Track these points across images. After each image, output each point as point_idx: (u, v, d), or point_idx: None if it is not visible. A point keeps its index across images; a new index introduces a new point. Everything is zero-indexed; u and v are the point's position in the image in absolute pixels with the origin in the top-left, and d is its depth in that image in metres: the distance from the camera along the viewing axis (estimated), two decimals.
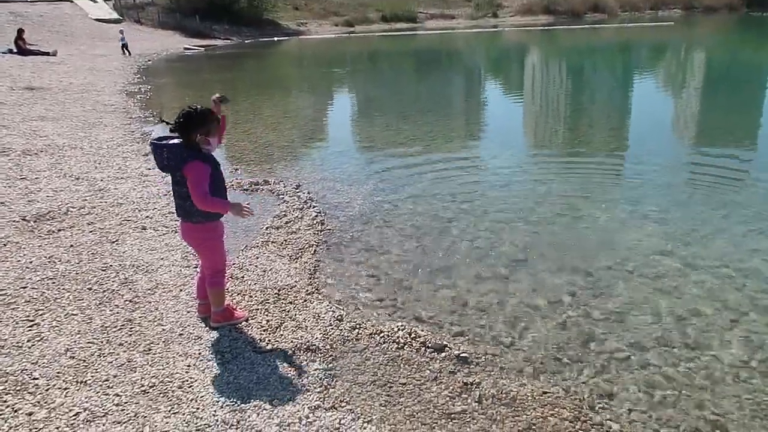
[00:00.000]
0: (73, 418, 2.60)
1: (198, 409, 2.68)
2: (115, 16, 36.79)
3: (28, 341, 3.19)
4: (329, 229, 5.16)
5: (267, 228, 5.12)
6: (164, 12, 41.81)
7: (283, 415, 2.65)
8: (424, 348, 3.25)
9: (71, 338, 3.23)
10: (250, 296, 3.82)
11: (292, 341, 3.27)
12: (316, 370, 3.02)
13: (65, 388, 2.79)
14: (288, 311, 3.63)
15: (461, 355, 3.20)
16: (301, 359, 3.12)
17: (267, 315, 3.57)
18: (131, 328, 3.36)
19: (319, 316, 3.55)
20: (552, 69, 20.76)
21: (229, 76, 19.39)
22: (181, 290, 3.85)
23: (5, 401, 2.69)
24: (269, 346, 3.22)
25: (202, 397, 2.77)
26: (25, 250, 4.42)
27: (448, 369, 3.09)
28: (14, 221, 4.99)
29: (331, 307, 3.67)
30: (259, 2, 46.71)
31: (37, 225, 4.95)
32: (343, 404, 2.76)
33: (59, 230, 4.86)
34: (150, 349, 3.15)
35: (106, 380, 2.87)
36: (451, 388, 2.93)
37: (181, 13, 41.47)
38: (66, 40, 26.61)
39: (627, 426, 2.71)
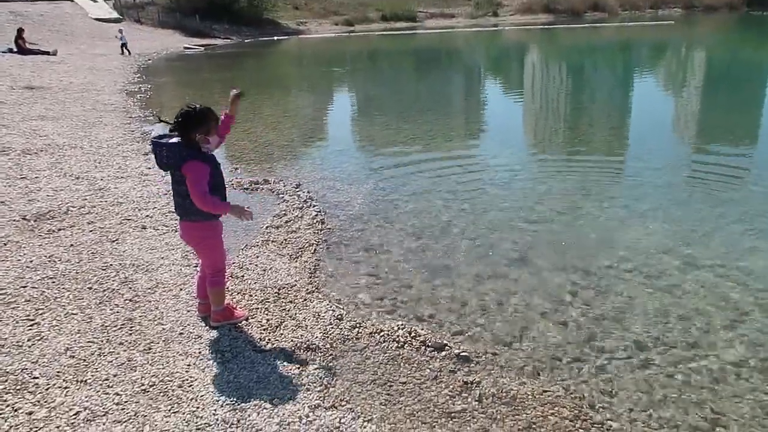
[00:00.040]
0: (74, 417, 2.60)
1: (198, 408, 2.69)
2: (115, 15, 36.77)
3: (28, 340, 3.19)
4: (329, 228, 5.16)
5: (267, 227, 5.12)
6: (164, 11, 41.78)
7: (284, 414, 2.65)
8: (424, 347, 3.25)
9: (71, 337, 3.23)
10: (250, 295, 3.82)
11: (292, 340, 3.27)
12: (316, 369, 3.02)
13: (65, 388, 2.80)
14: (288, 310, 3.63)
15: (461, 354, 3.20)
16: (301, 358, 3.12)
17: (267, 314, 3.57)
18: (131, 327, 3.37)
19: (319, 315, 3.55)
20: (552, 68, 20.75)
21: (228, 76, 19.38)
22: (181, 289, 3.85)
23: (5, 400, 2.69)
24: (269, 345, 3.22)
25: (202, 396, 2.77)
26: (25, 250, 4.42)
27: (448, 368, 3.09)
28: (14, 220, 4.99)
29: (331, 306, 3.67)
30: (259, 2, 46.66)
31: (37, 224, 4.95)
32: (343, 403, 2.76)
33: (59, 229, 4.86)
34: (150, 349, 3.15)
35: (106, 379, 2.87)
36: (451, 387, 2.93)
37: (181, 13, 41.44)
38: (66, 40, 26.60)
39: (627, 425, 2.71)
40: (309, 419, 2.63)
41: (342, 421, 2.63)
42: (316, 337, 3.31)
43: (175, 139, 2.98)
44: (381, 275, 4.27)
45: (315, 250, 4.66)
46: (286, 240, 4.82)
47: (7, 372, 2.89)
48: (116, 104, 11.91)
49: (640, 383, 3.01)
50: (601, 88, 15.42)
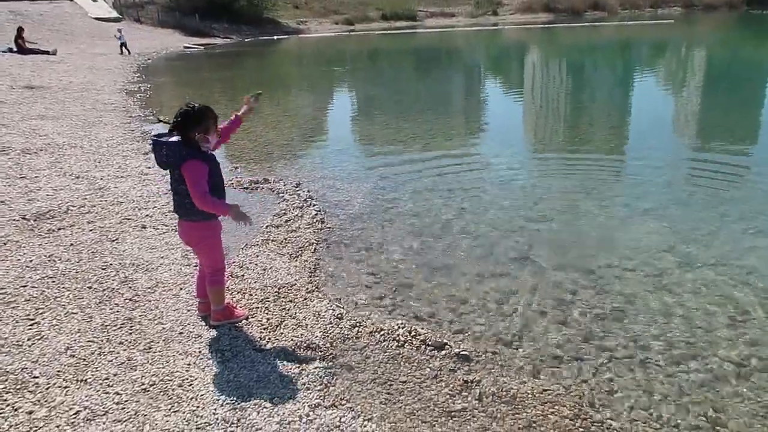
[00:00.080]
0: (74, 416, 2.60)
1: (198, 407, 2.69)
2: (114, 14, 36.76)
3: (28, 340, 3.19)
4: (329, 228, 5.16)
5: (267, 226, 5.12)
6: (164, 11, 41.78)
7: (284, 413, 2.65)
8: (424, 346, 3.25)
9: (71, 337, 3.23)
10: (250, 295, 3.82)
11: (292, 339, 3.27)
12: (316, 368, 3.02)
13: (65, 387, 2.80)
14: (288, 309, 3.63)
15: (461, 353, 3.19)
16: (302, 357, 3.11)
17: (267, 313, 3.57)
18: (131, 326, 3.36)
19: (319, 315, 3.55)
20: (552, 67, 20.74)
21: (228, 75, 19.38)
22: (181, 289, 3.85)
23: (5, 400, 2.69)
24: (269, 345, 3.22)
25: (202, 395, 2.77)
26: (25, 249, 4.42)
27: (448, 367, 3.09)
28: (14, 220, 4.98)
29: (331, 306, 3.67)
30: (259, 1, 46.67)
31: (37, 224, 4.95)
32: (344, 402, 2.76)
33: (59, 229, 4.86)
34: (150, 348, 3.15)
35: (107, 379, 2.87)
36: (451, 386, 2.92)
37: (181, 12, 41.43)
38: (66, 39, 26.59)
39: (627, 424, 2.71)
40: (309, 418, 2.63)
41: (342, 420, 2.63)
42: (317, 336, 3.31)
43: (174, 138, 2.97)
44: (381, 274, 4.27)
45: (315, 249, 4.66)
46: (286, 239, 4.82)
47: (7, 371, 2.89)
48: (116, 104, 11.91)
49: (640, 382, 3.01)
50: (601, 87, 15.41)
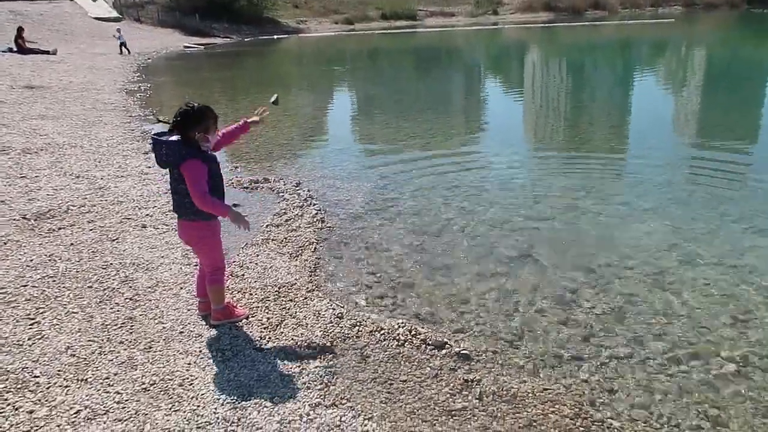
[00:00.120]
0: (74, 415, 2.60)
1: (199, 406, 2.69)
2: (114, 14, 36.77)
3: (28, 339, 3.19)
4: (329, 227, 5.16)
5: (267, 226, 5.12)
6: (164, 10, 41.79)
7: (284, 413, 2.65)
8: (424, 345, 3.25)
9: (72, 336, 3.23)
10: (251, 294, 3.82)
11: (292, 339, 3.27)
12: (316, 367, 3.02)
13: (66, 386, 2.80)
14: (288, 309, 3.63)
15: (462, 352, 3.19)
16: (302, 357, 3.11)
17: (267, 313, 3.57)
18: (132, 326, 3.37)
19: (319, 314, 3.55)
20: (552, 66, 20.73)
21: (228, 75, 19.38)
22: (181, 288, 3.85)
23: (6, 399, 2.69)
24: (270, 344, 3.22)
25: (202, 394, 2.77)
26: (25, 249, 4.42)
27: (448, 366, 3.09)
28: (14, 219, 4.99)
29: (331, 305, 3.67)
30: (259, 1, 46.68)
31: (38, 223, 4.95)
32: (344, 401, 2.76)
33: (59, 228, 4.86)
34: (150, 347, 3.15)
35: (107, 378, 2.87)
36: (451, 385, 2.92)
37: (181, 12, 41.44)
38: (66, 39, 26.60)
39: (627, 423, 2.71)
40: (309, 417, 2.63)
41: (342, 419, 2.63)
42: (317, 335, 3.31)
43: (175, 137, 2.97)
44: (381, 273, 4.27)
45: (315, 248, 4.66)
46: (286, 238, 4.82)
47: (8, 371, 2.89)
48: (116, 103, 11.91)
49: (640, 381, 3.00)
50: (602, 86, 15.41)
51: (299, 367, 3.02)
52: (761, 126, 9.42)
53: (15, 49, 19.59)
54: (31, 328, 3.30)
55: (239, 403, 2.71)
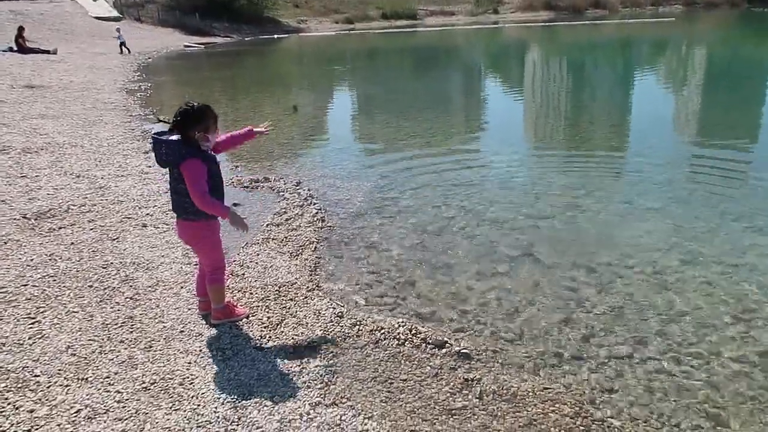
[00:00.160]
0: (75, 415, 2.60)
1: (199, 405, 2.69)
2: (114, 14, 36.77)
3: (29, 338, 3.19)
4: (330, 226, 5.16)
5: (267, 225, 5.12)
6: (164, 10, 41.79)
7: (284, 412, 2.66)
8: (424, 344, 3.25)
9: (72, 335, 3.23)
10: (251, 293, 3.82)
11: (293, 338, 3.27)
12: (316, 366, 3.02)
13: (66, 385, 2.80)
14: (288, 308, 3.63)
15: (462, 351, 3.19)
16: (302, 356, 3.12)
17: (268, 312, 3.57)
18: (132, 325, 3.37)
19: (319, 313, 3.55)
20: (552, 65, 20.72)
21: (229, 74, 19.38)
22: (181, 287, 3.86)
23: (7, 398, 2.69)
24: (270, 343, 3.23)
25: (203, 393, 2.78)
26: (25, 248, 4.42)
27: (448, 365, 3.09)
28: (15, 219, 4.99)
29: (331, 304, 3.67)
30: (260, 0, 46.66)
31: (38, 223, 4.96)
32: (344, 400, 2.77)
33: (60, 228, 4.86)
34: (151, 346, 3.16)
35: (107, 377, 2.87)
36: (451, 384, 2.92)
37: (181, 11, 41.45)
38: (66, 38, 26.60)
39: (628, 422, 2.71)
40: (310, 416, 2.63)
41: (343, 418, 2.64)
42: (317, 334, 3.31)
43: (175, 137, 2.97)
44: (381, 273, 4.27)
45: (315, 247, 4.66)
46: (286, 238, 4.82)
47: (9, 370, 2.90)
48: (116, 103, 11.91)
49: (641, 380, 3.00)
50: (602, 85, 15.40)
51: (299, 366, 3.02)
52: (762, 125, 9.41)
53: (15, 48, 19.61)
54: (31, 328, 3.30)
55: (239, 402, 2.72)
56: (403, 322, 3.48)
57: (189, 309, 3.57)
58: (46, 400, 2.69)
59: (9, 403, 2.66)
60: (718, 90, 13.80)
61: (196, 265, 4.08)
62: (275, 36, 41.55)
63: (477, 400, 2.81)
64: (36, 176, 6.30)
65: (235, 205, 5.61)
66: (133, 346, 3.16)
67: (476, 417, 2.69)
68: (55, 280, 3.89)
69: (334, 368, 3.02)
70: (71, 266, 4.13)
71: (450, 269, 4.32)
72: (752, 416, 2.74)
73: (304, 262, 4.36)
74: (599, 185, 6.18)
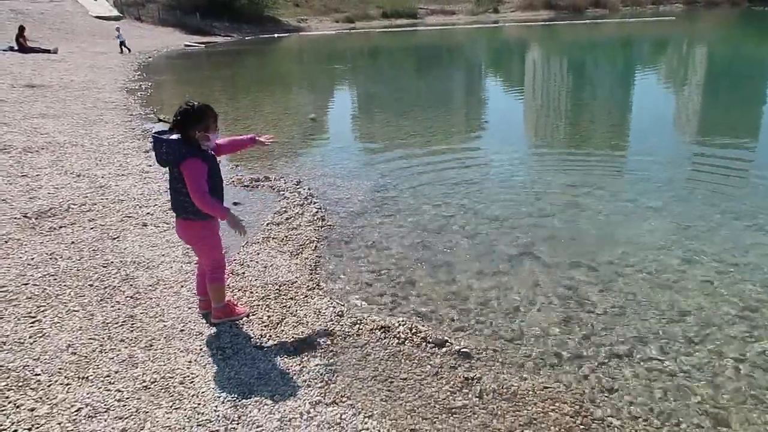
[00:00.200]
0: (75, 413, 2.60)
1: (199, 404, 2.69)
2: (115, 13, 36.74)
3: (29, 337, 3.19)
4: (330, 225, 5.16)
5: (268, 224, 5.12)
6: (164, 9, 41.78)
7: (284, 410, 2.66)
8: (425, 343, 3.25)
9: (73, 334, 3.23)
10: (251, 292, 3.82)
11: (293, 337, 3.28)
12: (316, 365, 3.02)
13: (67, 384, 2.80)
14: (289, 307, 3.63)
15: (462, 350, 3.19)
16: (302, 355, 3.12)
17: (268, 311, 3.57)
18: (132, 324, 3.37)
19: (320, 312, 3.55)
20: (553, 64, 20.70)
21: (229, 73, 19.38)
22: (182, 286, 3.86)
23: (7, 397, 2.69)
24: (270, 342, 3.23)
25: (203, 392, 2.78)
26: (26, 247, 4.43)
27: (449, 364, 3.09)
28: (15, 218, 4.99)
29: (331, 303, 3.68)
30: None
31: (39, 222, 4.96)
32: (344, 399, 2.77)
33: (60, 227, 4.87)
34: (151, 345, 3.16)
35: (108, 376, 2.87)
36: (452, 383, 2.93)
37: (182, 10, 41.44)
38: (67, 38, 26.59)
39: (628, 420, 2.71)
40: (310, 415, 2.63)
41: (343, 417, 2.64)
42: (317, 333, 3.31)
43: (175, 136, 2.97)
44: (382, 271, 4.27)
45: (316, 246, 4.66)
46: (286, 237, 4.82)
47: (9, 369, 2.90)
48: (117, 102, 11.91)
49: (641, 379, 3.00)
50: (602, 84, 15.38)
51: (299, 364, 3.02)
52: (762, 124, 9.41)
53: (16, 47, 19.60)
54: (32, 327, 3.30)
55: (240, 400, 2.72)
56: (403, 320, 3.48)
57: (189, 308, 3.57)
58: (47, 398, 2.70)
59: (10, 402, 2.66)
60: (719, 89, 13.79)
61: (196, 264, 4.08)
62: (275, 35, 41.53)
63: (477, 398, 2.81)
64: (36, 175, 6.31)
65: (235, 204, 5.62)
66: (133, 344, 3.16)
67: (476, 416, 2.70)
68: (55, 279, 3.90)
69: (335, 367, 3.02)
70: (72, 265, 4.13)
71: (450, 268, 4.32)
72: (753, 416, 2.74)
73: (304, 261, 4.36)
74: (600, 184, 6.18)
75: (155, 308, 3.57)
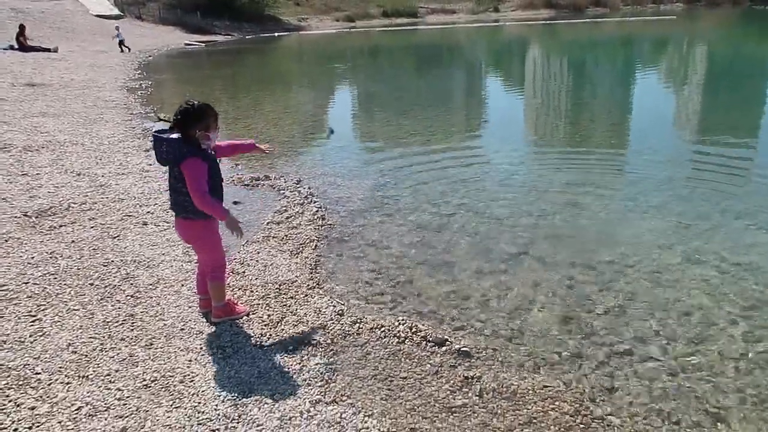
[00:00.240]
0: (75, 412, 2.61)
1: (200, 403, 2.69)
2: (115, 12, 36.72)
3: (30, 336, 3.19)
4: (330, 224, 5.16)
5: (268, 223, 5.12)
6: (165, 8, 41.74)
7: (285, 409, 2.66)
8: (425, 342, 3.25)
9: (73, 333, 3.23)
10: (251, 291, 3.82)
11: (293, 336, 3.28)
12: (317, 364, 3.02)
13: (67, 383, 2.80)
14: (289, 306, 3.63)
15: (462, 349, 3.20)
16: (302, 354, 3.12)
17: (268, 310, 3.58)
18: (133, 323, 3.37)
19: (320, 311, 3.55)
20: (553, 63, 20.69)
21: (229, 72, 19.38)
22: (182, 285, 3.86)
23: (8, 396, 2.70)
24: (270, 341, 3.23)
25: (203, 391, 2.78)
26: (26, 246, 4.43)
27: (449, 363, 3.09)
28: (16, 217, 4.99)
29: (332, 302, 3.68)
30: None
31: (39, 221, 4.96)
32: (344, 398, 2.77)
33: (61, 226, 4.87)
34: (151, 344, 3.16)
35: (108, 375, 2.88)
36: (451, 382, 2.93)
37: (182, 9, 41.41)
38: (67, 37, 26.58)
39: (627, 420, 2.71)
40: (310, 414, 2.64)
41: (343, 416, 2.64)
42: (317, 332, 3.31)
43: (175, 135, 2.97)
44: (382, 271, 4.27)
45: (316, 245, 4.66)
46: (287, 236, 4.83)
47: (10, 368, 2.90)
48: (117, 101, 11.91)
49: (641, 378, 3.00)
50: (603, 83, 15.37)
51: (300, 363, 3.02)
52: (763, 123, 9.40)
53: (16, 46, 19.59)
54: (32, 325, 3.30)
55: (240, 399, 2.72)
56: (403, 320, 3.48)
57: (189, 307, 3.57)
58: (47, 397, 2.70)
59: (10, 401, 2.66)
60: (720, 88, 13.78)
61: (196, 263, 4.08)
62: (276, 34, 41.50)
63: (477, 397, 2.82)
64: (37, 174, 6.31)
65: (235, 203, 5.62)
66: (133, 343, 3.16)
67: (476, 415, 2.70)
68: (55, 278, 3.90)
69: (335, 366, 3.03)
70: (72, 264, 4.13)
71: (450, 267, 4.32)
72: (752, 414, 2.74)
73: (304, 260, 4.36)
74: (600, 183, 6.18)
75: (155, 307, 3.57)
